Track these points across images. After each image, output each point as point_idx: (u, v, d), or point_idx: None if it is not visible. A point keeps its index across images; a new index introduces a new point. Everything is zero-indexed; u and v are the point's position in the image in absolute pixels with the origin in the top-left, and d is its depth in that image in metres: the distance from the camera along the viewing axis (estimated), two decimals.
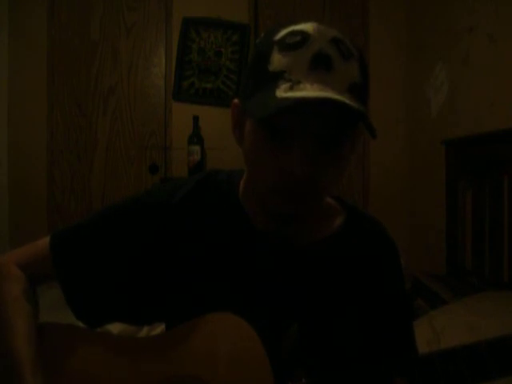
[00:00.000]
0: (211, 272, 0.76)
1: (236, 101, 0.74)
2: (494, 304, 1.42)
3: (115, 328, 1.38)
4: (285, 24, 0.68)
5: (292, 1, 2.69)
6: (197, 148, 2.57)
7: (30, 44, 2.63)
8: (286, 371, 0.71)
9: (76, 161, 2.67)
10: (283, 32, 0.66)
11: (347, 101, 0.59)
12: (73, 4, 2.65)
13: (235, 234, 0.77)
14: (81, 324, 0.80)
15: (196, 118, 2.60)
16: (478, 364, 0.64)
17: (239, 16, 2.67)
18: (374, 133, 0.62)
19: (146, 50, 2.68)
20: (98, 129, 2.67)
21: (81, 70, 2.66)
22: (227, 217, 0.78)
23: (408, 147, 2.68)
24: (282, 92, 0.60)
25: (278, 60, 0.63)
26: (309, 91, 0.60)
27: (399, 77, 2.70)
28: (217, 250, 0.77)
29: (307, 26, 0.65)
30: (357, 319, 0.76)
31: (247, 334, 0.70)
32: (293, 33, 0.64)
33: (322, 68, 0.62)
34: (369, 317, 0.77)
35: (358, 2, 2.72)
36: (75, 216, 2.61)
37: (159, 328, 1.42)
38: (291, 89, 0.60)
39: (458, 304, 1.51)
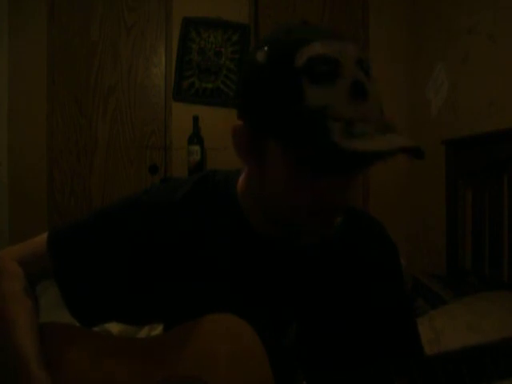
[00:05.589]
0: (210, 272, 0.76)
1: (241, 125, 0.67)
2: (493, 304, 1.42)
3: (115, 328, 1.38)
4: (293, 42, 0.61)
5: (292, 1, 2.69)
6: (197, 148, 2.57)
7: (30, 44, 2.63)
8: (286, 371, 0.71)
9: (76, 161, 2.66)
10: (304, 57, 0.60)
11: (415, 144, 0.59)
12: (73, 4, 2.65)
13: (234, 234, 0.77)
14: None
15: (196, 118, 2.60)
16: (479, 365, 0.64)
17: (239, 16, 2.67)
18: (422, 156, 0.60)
19: (146, 50, 2.68)
20: (98, 129, 2.67)
21: (81, 69, 2.65)
22: (225, 217, 0.78)
23: None
24: (342, 138, 0.56)
25: (313, 94, 0.58)
26: (375, 142, 0.57)
27: (399, 77, 2.70)
28: (216, 250, 0.77)
29: (328, 49, 0.60)
30: (356, 319, 0.76)
31: (247, 334, 0.70)
32: (318, 59, 0.59)
33: (360, 98, 0.60)
34: (368, 317, 0.77)
35: (358, 2, 2.72)
36: (75, 216, 2.56)
37: (159, 328, 1.42)
38: (350, 134, 0.57)
39: (457, 304, 1.51)
